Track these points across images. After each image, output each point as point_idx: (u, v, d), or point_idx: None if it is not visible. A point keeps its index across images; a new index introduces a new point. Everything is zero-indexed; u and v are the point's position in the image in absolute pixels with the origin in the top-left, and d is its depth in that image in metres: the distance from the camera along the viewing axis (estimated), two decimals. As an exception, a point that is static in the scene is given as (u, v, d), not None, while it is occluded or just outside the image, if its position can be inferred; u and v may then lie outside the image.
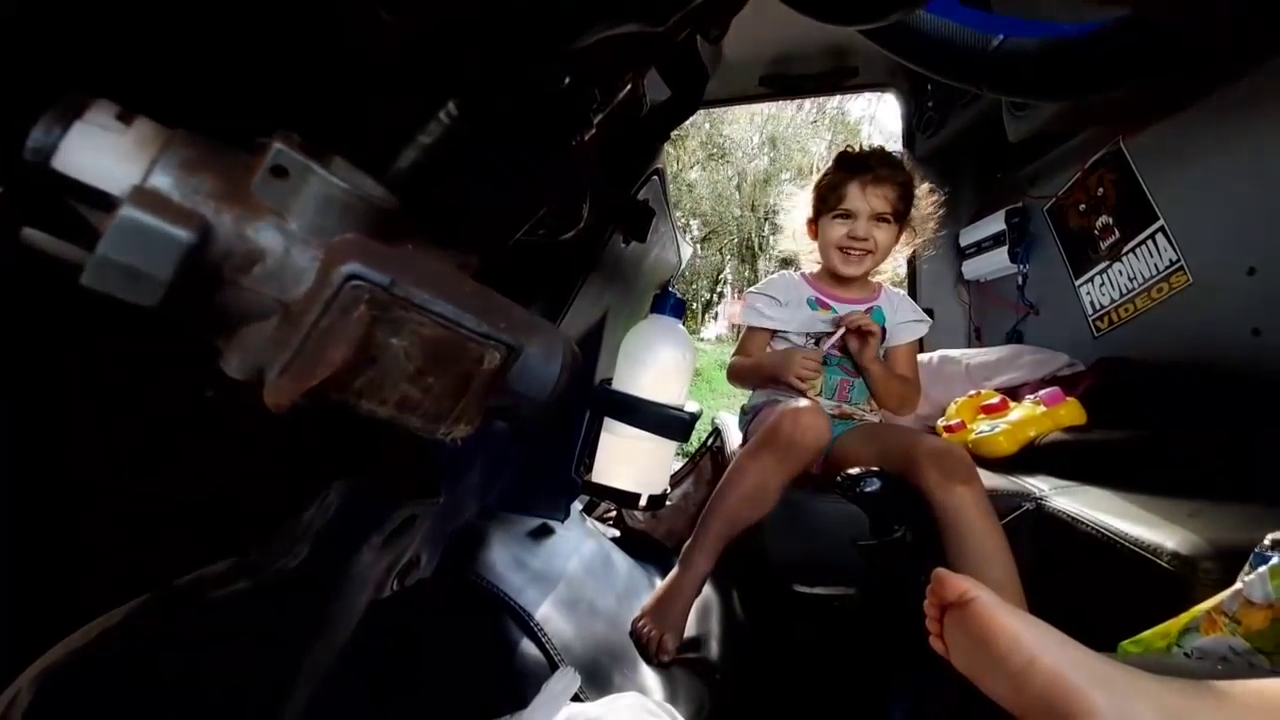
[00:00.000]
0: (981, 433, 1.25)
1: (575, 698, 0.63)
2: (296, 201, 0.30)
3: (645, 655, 0.92)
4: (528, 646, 0.77)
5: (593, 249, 0.97)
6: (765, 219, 12.74)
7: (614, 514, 1.57)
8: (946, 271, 2.07)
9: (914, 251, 1.37)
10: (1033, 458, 1.17)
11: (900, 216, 1.23)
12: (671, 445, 0.72)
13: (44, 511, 0.40)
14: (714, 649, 1.00)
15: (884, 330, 1.24)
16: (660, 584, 1.03)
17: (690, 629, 1.00)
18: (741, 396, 1.39)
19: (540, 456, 1.07)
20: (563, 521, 1.16)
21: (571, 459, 0.74)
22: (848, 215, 1.22)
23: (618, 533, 1.47)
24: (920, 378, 1.32)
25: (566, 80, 0.43)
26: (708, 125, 12.87)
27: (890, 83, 2.08)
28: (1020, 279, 1.78)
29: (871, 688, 0.83)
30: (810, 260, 1.36)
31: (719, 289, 14.50)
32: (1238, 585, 0.52)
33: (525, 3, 0.38)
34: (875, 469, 0.98)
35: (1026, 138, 1.54)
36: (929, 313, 1.37)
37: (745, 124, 13.52)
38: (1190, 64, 0.78)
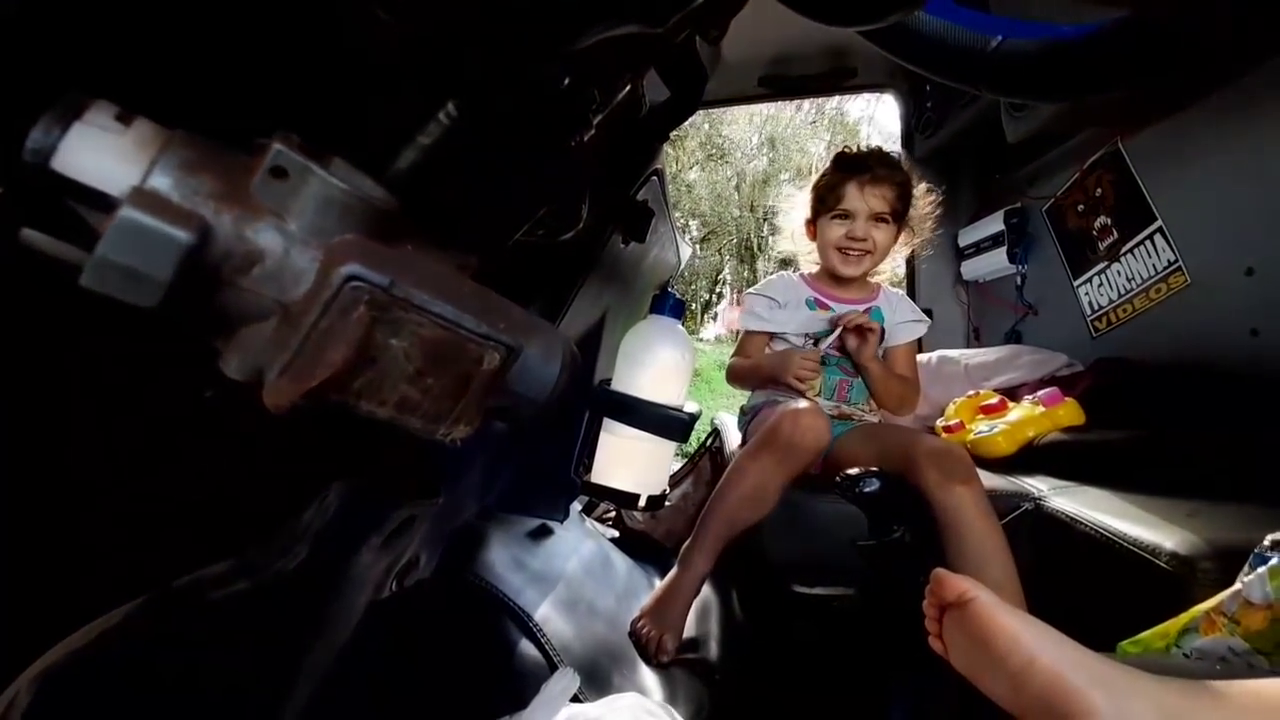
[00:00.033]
0: (980, 433, 1.25)
1: (574, 698, 0.63)
2: (296, 202, 0.30)
3: (644, 656, 0.92)
4: (527, 647, 0.76)
5: (592, 249, 0.97)
6: (764, 219, 12.74)
7: (613, 514, 1.57)
8: (945, 272, 2.07)
9: (913, 251, 1.38)
10: (1031, 458, 1.17)
11: (899, 216, 1.24)
12: (670, 446, 0.72)
13: (44, 511, 0.40)
14: (713, 649, 1.00)
15: (883, 330, 1.24)
16: (659, 584, 1.03)
17: (689, 629, 1.00)
18: (740, 397, 1.39)
19: (539, 457, 1.07)
20: (562, 522, 1.16)
21: (571, 459, 0.74)
22: (846, 215, 1.22)
23: (617, 533, 1.47)
24: (919, 378, 1.32)
25: (566, 81, 0.43)
26: (707, 126, 12.87)
27: (889, 83, 2.08)
28: (1019, 279, 1.78)
29: (871, 688, 0.83)
30: (809, 261, 1.36)
31: (718, 289, 14.51)
32: (1237, 586, 0.52)
33: (524, 3, 0.38)
34: (874, 469, 0.98)
35: (1025, 138, 1.54)
36: (928, 313, 1.37)
37: (744, 124, 13.53)
38: (1189, 65, 0.78)
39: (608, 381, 0.72)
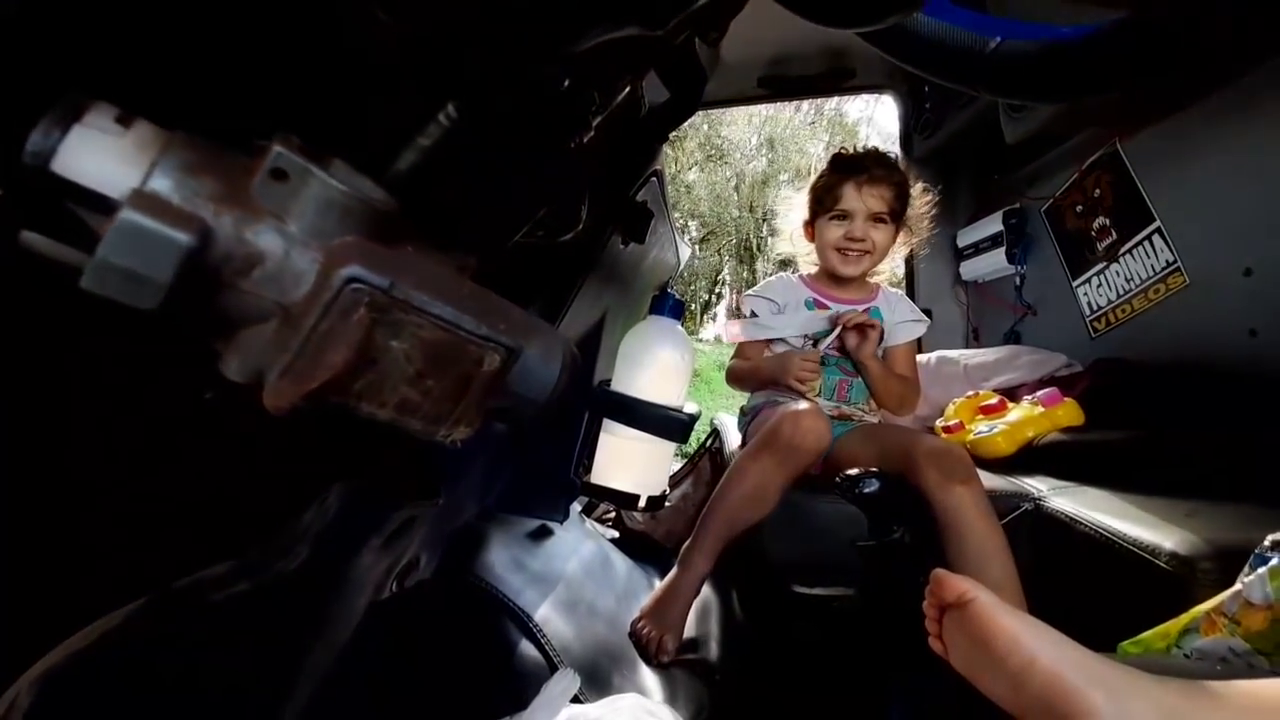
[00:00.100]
0: (980, 433, 1.25)
1: (575, 699, 0.63)
2: (296, 204, 0.30)
3: (645, 656, 0.92)
4: (527, 648, 0.76)
5: (591, 250, 0.97)
6: (763, 220, 12.75)
7: (613, 515, 1.57)
8: (944, 272, 2.08)
9: (911, 251, 1.38)
10: (1031, 458, 1.17)
11: (897, 216, 1.24)
12: (670, 446, 0.72)
13: (45, 513, 0.40)
14: (713, 650, 1.00)
15: (882, 330, 1.24)
16: (659, 585, 1.03)
17: (690, 630, 1.00)
18: (740, 397, 1.39)
19: (539, 458, 1.07)
20: (562, 523, 1.16)
21: (570, 460, 0.74)
22: (844, 216, 1.22)
23: (617, 534, 1.46)
24: (919, 378, 1.32)
25: (566, 82, 0.43)
26: (706, 126, 12.87)
27: (888, 84, 2.08)
28: (1018, 280, 1.78)
29: (871, 688, 0.83)
30: (808, 262, 1.36)
31: (717, 290, 14.51)
32: (1237, 586, 0.52)
33: (524, 5, 0.38)
34: (874, 470, 0.98)
35: (1024, 139, 1.54)
36: (927, 313, 1.38)
37: (743, 125, 13.53)
38: (1188, 65, 0.78)
39: (607, 382, 0.72)
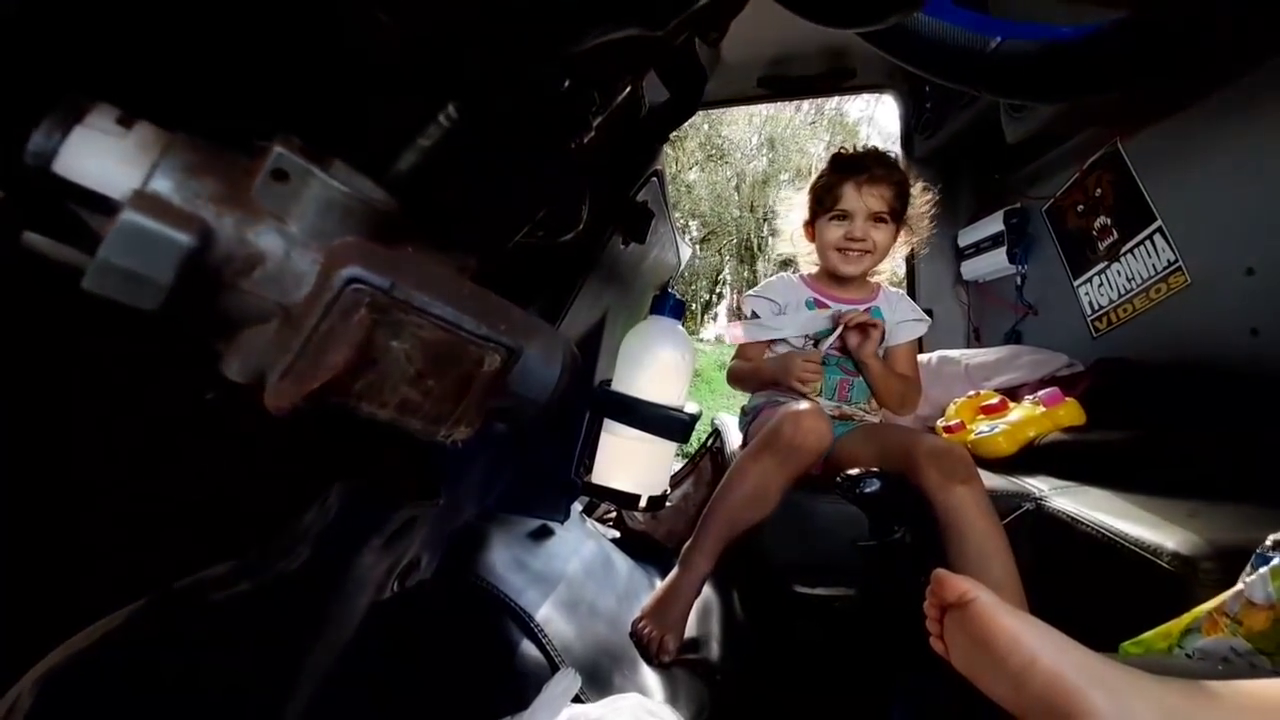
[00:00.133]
0: (981, 433, 1.25)
1: (576, 699, 0.63)
2: (297, 205, 0.31)
3: (646, 656, 0.92)
4: (528, 648, 0.76)
5: (592, 251, 0.97)
6: (764, 220, 12.75)
7: (614, 515, 1.57)
8: (945, 272, 2.08)
9: (912, 250, 1.38)
10: (1032, 458, 1.17)
11: (897, 215, 1.23)
12: (671, 446, 0.72)
13: (46, 513, 0.40)
14: (715, 650, 1.00)
15: (884, 329, 1.24)
16: (660, 585, 1.03)
17: (691, 630, 1.00)
18: (741, 397, 1.39)
19: (540, 458, 1.07)
20: (563, 523, 1.16)
21: (571, 460, 0.74)
22: (844, 216, 1.22)
23: (618, 534, 1.47)
24: (920, 378, 1.32)
25: (566, 83, 0.43)
26: (706, 126, 12.87)
27: (888, 84, 2.08)
28: (1019, 279, 1.78)
29: (872, 688, 0.83)
30: (809, 262, 1.36)
31: (718, 290, 14.50)
32: (1239, 586, 0.52)
33: (524, 6, 0.38)
34: (875, 470, 0.98)
35: (1024, 139, 1.54)
36: (928, 313, 1.37)
37: (744, 125, 13.53)
38: (1188, 65, 0.78)
39: (608, 382, 0.72)
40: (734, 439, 1.38)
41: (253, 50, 0.38)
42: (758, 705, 0.91)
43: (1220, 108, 1.18)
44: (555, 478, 1.06)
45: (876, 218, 1.22)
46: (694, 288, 13.65)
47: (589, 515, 1.52)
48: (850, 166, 1.21)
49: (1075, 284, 1.57)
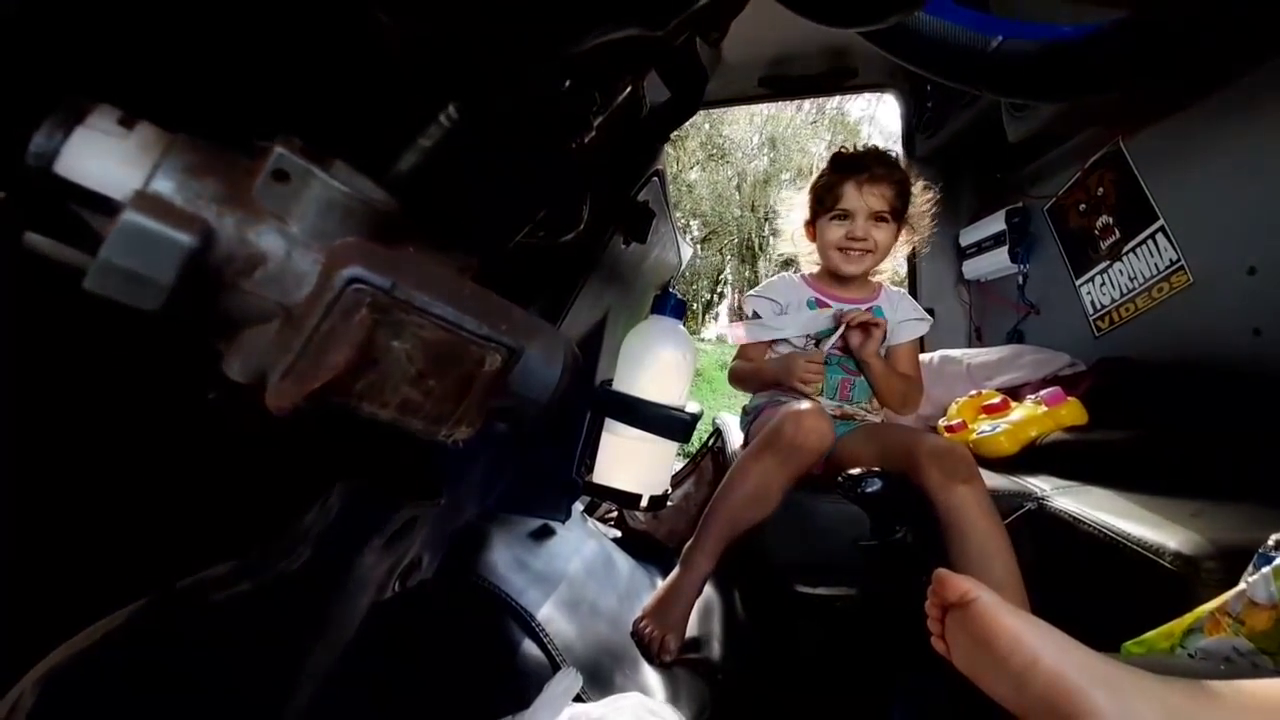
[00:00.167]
0: (983, 433, 1.25)
1: (577, 698, 0.63)
2: (298, 205, 0.31)
3: (647, 656, 0.92)
4: (529, 647, 0.77)
5: (593, 250, 0.97)
6: (765, 219, 12.76)
7: (615, 515, 1.57)
8: (947, 271, 2.07)
9: (913, 249, 1.37)
10: (1034, 458, 1.17)
11: (898, 215, 1.23)
12: (672, 446, 0.72)
13: (47, 513, 0.40)
14: (716, 649, 1.00)
15: (885, 328, 1.24)
16: (661, 584, 1.03)
17: (692, 629, 1.00)
18: (742, 396, 1.39)
19: (541, 458, 1.07)
20: (564, 522, 1.16)
21: (572, 460, 0.74)
22: (845, 215, 1.22)
23: (619, 533, 1.47)
24: (922, 377, 1.32)
25: (566, 83, 0.43)
26: (707, 126, 12.88)
27: (889, 83, 2.08)
28: (1021, 279, 1.78)
29: (873, 688, 0.83)
30: (810, 262, 1.36)
31: (719, 289, 14.51)
32: (1241, 586, 0.52)
33: (524, 6, 0.38)
34: (876, 469, 0.98)
35: (1026, 138, 1.54)
36: (930, 312, 1.37)
37: (745, 124, 13.53)
38: (1189, 65, 0.78)
39: (609, 382, 0.72)
40: (735, 438, 1.38)
41: (253, 51, 0.38)
42: (759, 705, 0.91)
43: (1221, 108, 1.17)
44: (556, 477, 1.06)
45: (877, 217, 1.21)
46: (695, 287, 13.66)
47: (590, 515, 1.52)
48: (851, 166, 1.21)
49: (1077, 283, 1.57)
